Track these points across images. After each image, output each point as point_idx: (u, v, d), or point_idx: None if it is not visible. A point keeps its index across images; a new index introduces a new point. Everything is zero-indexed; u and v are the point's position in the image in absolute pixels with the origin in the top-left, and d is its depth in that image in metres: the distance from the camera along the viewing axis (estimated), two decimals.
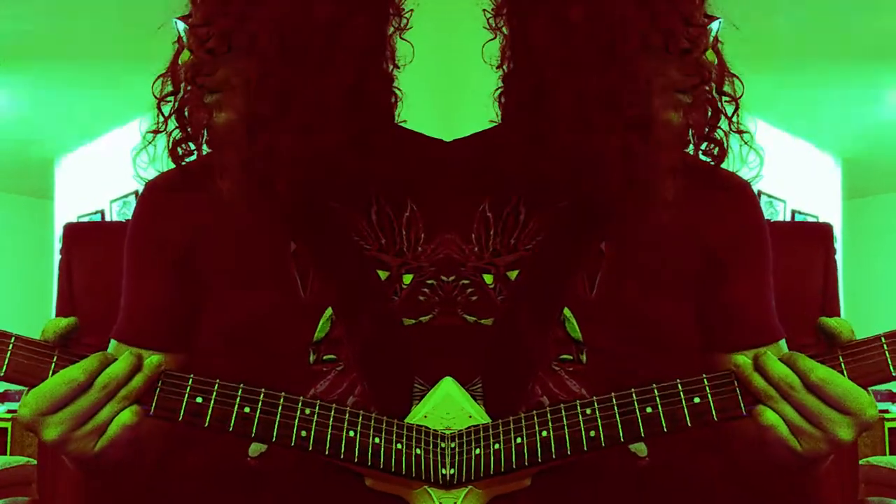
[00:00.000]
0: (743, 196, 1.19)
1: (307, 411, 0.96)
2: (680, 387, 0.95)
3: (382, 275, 1.08)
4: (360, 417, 0.96)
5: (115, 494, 1.14)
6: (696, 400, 0.95)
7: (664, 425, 0.95)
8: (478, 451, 0.96)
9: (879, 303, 7.06)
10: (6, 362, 0.94)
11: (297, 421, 0.95)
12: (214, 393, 0.95)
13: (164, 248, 1.14)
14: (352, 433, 0.95)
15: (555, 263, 1.09)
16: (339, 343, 1.07)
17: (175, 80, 1.11)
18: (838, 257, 1.45)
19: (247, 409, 0.95)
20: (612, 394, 0.96)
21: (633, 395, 0.95)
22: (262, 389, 0.96)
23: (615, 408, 0.95)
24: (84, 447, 0.95)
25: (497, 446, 0.96)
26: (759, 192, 1.29)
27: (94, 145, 6.93)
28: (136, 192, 1.25)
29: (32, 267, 7.35)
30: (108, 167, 6.70)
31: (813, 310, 1.38)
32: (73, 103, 6.20)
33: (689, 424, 0.95)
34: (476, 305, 1.07)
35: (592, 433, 0.95)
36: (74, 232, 1.47)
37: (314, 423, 0.95)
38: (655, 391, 0.95)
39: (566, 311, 1.07)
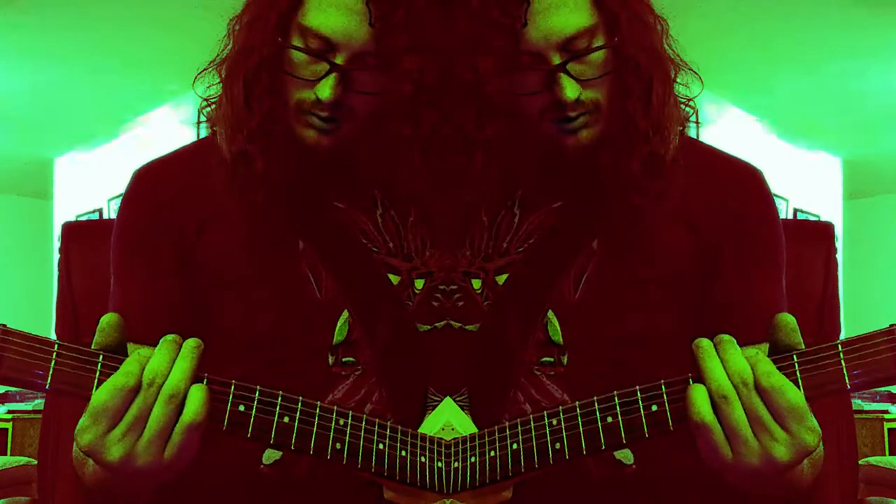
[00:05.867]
0: (751, 185, 1.16)
1: (341, 422, 0.93)
2: (639, 394, 0.91)
3: (394, 279, 1.08)
4: (388, 430, 0.95)
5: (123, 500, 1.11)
6: (654, 408, 0.90)
7: (623, 436, 0.91)
8: (456, 464, 0.95)
9: (880, 303, 7.05)
10: (50, 373, 0.86)
11: (332, 433, 0.93)
12: (255, 401, 0.91)
13: (168, 241, 1.11)
14: (381, 445, 0.94)
15: (544, 266, 1.08)
16: (359, 346, 1.06)
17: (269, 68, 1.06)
18: (839, 257, 1.44)
19: (286, 420, 0.92)
20: (577, 402, 0.94)
21: (595, 403, 0.92)
22: (300, 398, 0.93)
23: (578, 418, 0.93)
24: (153, 459, 0.89)
25: (473, 459, 0.95)
26: None
27: (92, 145, 6.93)
28: None
29: (32, 267, 7.35)
30: (107, 167, 6.69)
31: (812, 309, 1.37)
32: (72, 104, 6.20)
33: (647, 435, 0.91)
34: (461, 311, 1.07)
35: (558, 445, 0.93)
36: (73, 231, 1.46)
37: (348, 435, 0.93)
38: (616, 399, 0.92)
39: (549, 314, 1.07)
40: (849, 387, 0.86)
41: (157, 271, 1.11)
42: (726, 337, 0.91)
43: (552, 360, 1.06)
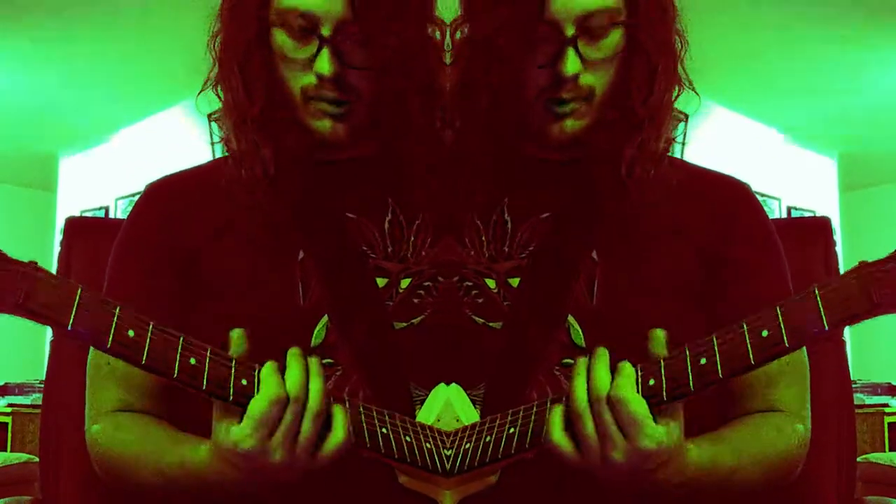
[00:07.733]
0: (742, 199, 1.18)
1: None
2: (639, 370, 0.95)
3: (381, 282, 1.09)
4: (387, 416, 0.98)
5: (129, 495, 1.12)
6: (651, 382, 0.94)
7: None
8: (448, 452, 0.98)
9: None
10: (205, 376, 0.93)
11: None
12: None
13: (172, 255, 1.13)
14: (385, 430, 0.97)
15: (552, 273, 1.10)
16: (336, 347, 1.08)
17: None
18: (838, 250, 1.45)
19: None
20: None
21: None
22: None
23: None
24: (307, 463, 0.95)
25: (468, 445, 0.97)
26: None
27: (100, 141, 6.92)
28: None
29: (33, 259, 7.33)
30: (115, 164, 6.69)
31: None
32: (80, 98, 6.20)
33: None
34: (483, 308, 1.09)
35: None
36: (76, 227, 1.46)
37: (350, 417, 0.96)
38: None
39: (570, 319, 1.08)
40: (826, 327, 0.89)
41: (152, 288, 1.12)
42: (600, 350, 0.96)
43: (573, 361, 1.06)
